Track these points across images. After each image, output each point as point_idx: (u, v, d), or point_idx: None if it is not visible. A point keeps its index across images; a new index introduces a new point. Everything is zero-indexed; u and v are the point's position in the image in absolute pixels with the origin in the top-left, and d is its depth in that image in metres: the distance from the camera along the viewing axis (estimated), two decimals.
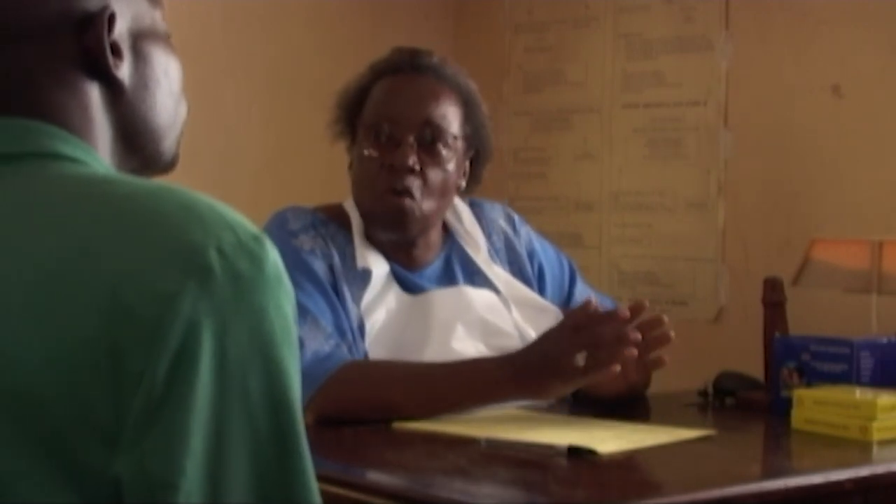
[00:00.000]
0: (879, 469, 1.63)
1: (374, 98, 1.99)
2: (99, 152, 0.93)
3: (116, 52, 0.94)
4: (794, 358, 1.99)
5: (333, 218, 2.00)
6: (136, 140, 0.98)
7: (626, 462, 1.59)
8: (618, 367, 1.73)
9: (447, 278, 2.03)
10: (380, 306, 1.93)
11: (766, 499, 1.47)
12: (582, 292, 2.14)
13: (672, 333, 1.82)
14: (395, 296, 1.95)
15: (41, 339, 0.77)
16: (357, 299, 1.91)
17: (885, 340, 2.01)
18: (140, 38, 0.97)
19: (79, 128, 0.92)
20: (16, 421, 0.77)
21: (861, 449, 1.73)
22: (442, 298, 1.97)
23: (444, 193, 1.98)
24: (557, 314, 2.06)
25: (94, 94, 0.94)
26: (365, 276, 1.94)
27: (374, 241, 1.99)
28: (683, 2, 3.11)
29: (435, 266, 2.03)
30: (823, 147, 2.87)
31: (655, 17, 3.17)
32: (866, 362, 1.94)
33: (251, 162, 3.26)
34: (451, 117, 1.98)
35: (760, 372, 2.15)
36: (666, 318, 1.82)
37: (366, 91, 2.00)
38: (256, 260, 0.81)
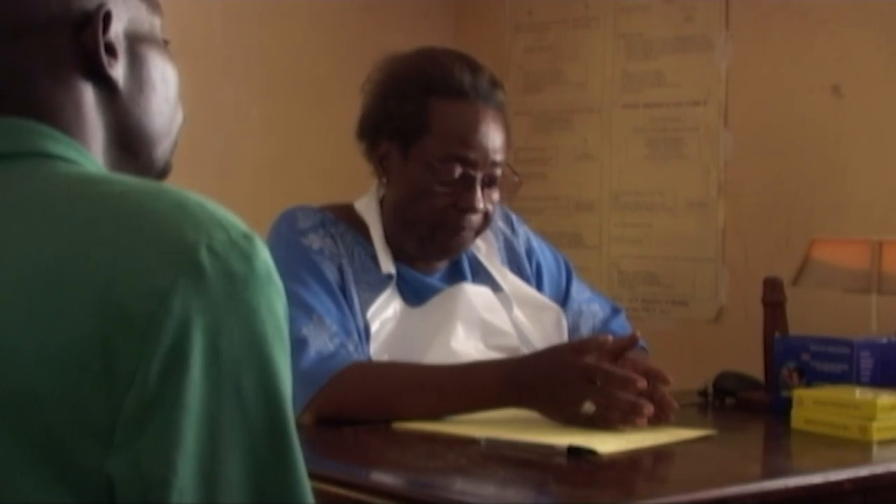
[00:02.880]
0: (879, 469, 1.63)
1: (441, 126, 1.94)
2: (92, 153, 0.93)
3: (111, 51, 0.94)
4: (794, 358, 1.99)
5: (343, 219, 2.00)
6: (129, 144, 0.97)
7: (626, 462, 1.59)
8: (623, 427, 1.73)
9: (456, 276, 2.04)
10: (383, 315, 1.94)
11: (766, 499, 1.47)
12: (578, 290, 2.16)
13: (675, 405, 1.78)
14: (398, 305, 1.96)
15: (34, 338, 0.77)
16: (364, 302, 1.92)
17: (885, 340, 2.01)
18: (137, 42, 0.97)
19: (72, 127, 0.92)
20: (10, 420, 0.76)
21: (861, 449, 1.73)
22: (441, 301, 1.98)
23: (490, 222, 2.02)
24: (558, 312, 2.07)
25: (88, 93, 0.93)
26: (377, 281, 1.95)
27: (391, 246, 1.99)
28: (683, 2, 3.11)
29: (443, 268, 2.05)
30: (823, 147, 2.87)
31: (655, 17, 3.17)
32: (866, 362, 1.95)
33: (251, 162, 3.26)
34: (504, 150, 2.00)
35: (760, 372, 2.15)
36: (675, 406, 1.78)
37: (421, 110, 1.95)
38: (248, 258, 0.81)
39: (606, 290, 3.25)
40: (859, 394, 1.80)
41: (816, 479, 1.54)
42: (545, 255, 2.17)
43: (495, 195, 1.99)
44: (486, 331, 1.99)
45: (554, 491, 1.52)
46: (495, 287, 2.05)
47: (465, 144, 1.94)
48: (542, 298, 2.08)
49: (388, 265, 1.96)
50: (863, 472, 1.60)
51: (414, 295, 1.99)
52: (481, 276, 2.06)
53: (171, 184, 0.87)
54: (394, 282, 1.96)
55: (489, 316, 2.00)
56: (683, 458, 1.66)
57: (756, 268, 2.86)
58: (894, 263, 2.41)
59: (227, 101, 3.23)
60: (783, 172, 2.94)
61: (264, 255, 0.82)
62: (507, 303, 2.04)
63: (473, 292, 2.01)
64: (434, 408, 1.80)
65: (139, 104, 0.97)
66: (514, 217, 2.18)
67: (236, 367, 0.79)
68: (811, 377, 1.97)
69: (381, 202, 2.02)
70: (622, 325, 2.15)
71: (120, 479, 0.76)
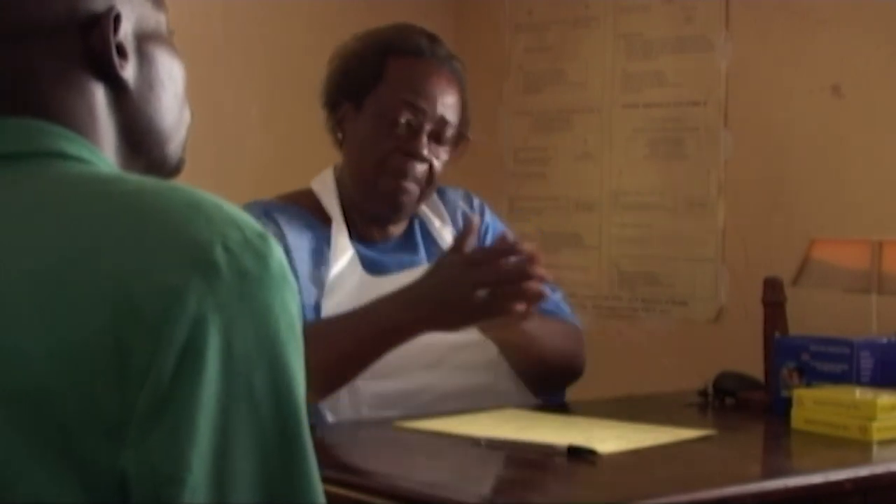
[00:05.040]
0: (879, 469, 1.64)
1: (394, 76, 2.04)
2: (104, 153, 0.94)
3: (122, 52, 0.94)
4: (794, 358, 1.99)
5: (293, 202, 2.06)
6: (141, 142, 0.98)
7: (626, 462, 1.59)
8: (522, 306, 1.74)
9: (408, 249, 2.09)
10: (342, 286, 1.97)
11: (766, 499, 1.48)
12: None
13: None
14: (358, 276, 1.99)
15: (49, 336, 0.77)
16: (315, 278, 1.94)
17: (885, 340, 2.01)
18: (145, 40, 0.97)
19: (84, 128, 0.92)
20: (22, 418, 0.77)
21: (861, 449, 1.73)
22: (402, 280, 1.99)
23: (436, 182, 2.07)
24: None
25: (99, 94, 0.94)
26: (332, 253, 1.99)
27: (349, 215, 2.04)
28: (683, 2, 3.11)
29: (396, 238, 2.10)
30: (823, 147, 2.87)
31: (655, 17, 3.17)
32: (866, 362, 1.95)
33: (251, 162, 3.27)
34: (456, 113, 2.06)
35: (760, 372, 2.15)
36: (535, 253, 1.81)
37: (380, 60, 2.05)
38: (262, 257, 0.81)
39: (606, 290, 3.25)
40: (859, 394, 1.81)
41: (816, 479, 1.54)
42: (496, 231, 2.17)
43: (443, 153, 2.04)
44: None
45: (554, 491, 1.52)
46: None
47: (414, 92, 2.02)
48: None
49: (340, 235, 2.01)
50: (863, 472, 1.60)
51: (370, 271, 2.02)
52: (433, 249, 2.10)
53: (177, 182, 0.87)
54: (351, 256, 2.00)
55: None
56: (683, 458, 1.66)
57: (756, 268, 2.86)
58: (894, 263, 2.41)
59: (227, 101, 3.23)
60: (783, 172, 2.94)
61: (278, 255, 0.82)
62: None
63: None
64: (354, 352, 1.84)
65: (150, 102, 0.97)
66: (476, 200, 2.23)
67: (250, 365, 0.79)
68: (811, 377, 1.97)
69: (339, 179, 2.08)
70: (554, 304, 2.12)
71: (133, 475, 0.76)
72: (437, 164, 2.03)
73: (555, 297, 2.14)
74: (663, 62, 3.15)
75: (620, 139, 3.23)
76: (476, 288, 1.76)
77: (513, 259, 1.78)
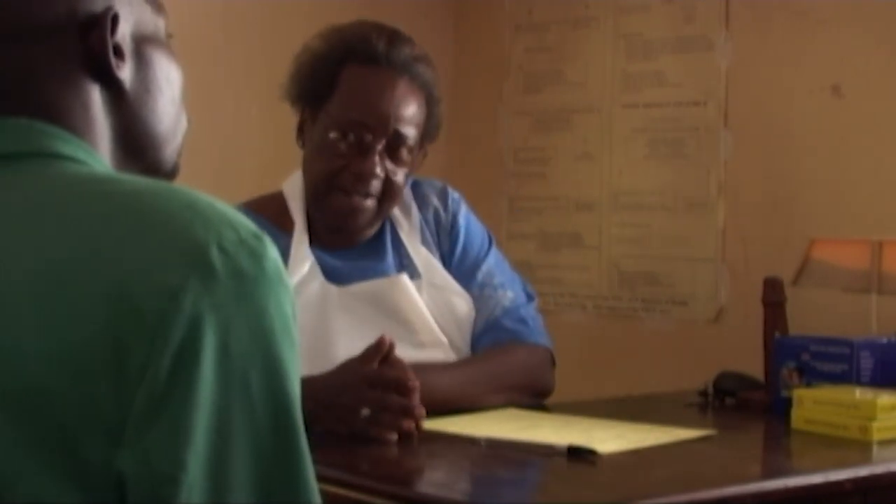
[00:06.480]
0: (879, 469, 1.64)
1: (345, 89, 1.98)
2: (100, 154, 0.94)
3: (119, 53, 0.95)
4: (794, 358, 1.99)
5: (255, 209, 2.00)
6: (136, 145, 0.98)
7: (626, 462, 1.59)
8: (395, 437, 1.70)
9: (375, 255, 2.03)
10: (301, 297, 1.92)
11: (766, 499, 1.48)
12: (488, 274, 2.09)
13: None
14: (319, 285, 1.96)
15: (48, 336, 0.78)
16: None
17: (885, 340, 2.02)
18: (143, 43, 0.98)
19: (81, 129, 0.93)
20: (21, 418, 0.77)
21: (861, 449, 1.73)
22: (365, 289, 1.97)
23: (398, 193, 2.01)
24: (469, 300, 2.05)
25: (95, 95, 0.94)
26: (290, 264, 1.95)
27: (313, 218, 2.01)
28: (683, 2, 3.11)
29: (364, 243, 2.04)
30: (823, 147, 2.87)
31: (655, 17, 3.17)
32: (866, 362, 1.95)
33: (251, 162, 3.26)
34: (417, 123, 2.00)
35: (760, 372, 2.15)
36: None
37: (335, 68, 1.99)
38: (257, 257, 0.81)
39: (606, 290, 3.25)
40: (859, 394, 1.81)
41: (816, 479, 1.54)
42: (467, 234, 2.12)
43: (401, 166, 1.98)
44: (408, 329, 1.96)
45: (554, 491, 1.52)
46: (412, 270, 2.03)
47: (364, 109, 1.96)
48: (456, 286, 2.05)
49: (299, 244, 1.97)
50: (863, 472, 1.60)
51: (332, 279, 1.98)
52: (402, 257, 2.04)
53: (173, 183, 0.87)
54: (312, 263, 1.96)
55: (412, 316, 1.98)
56: (683, 458, 1.66)
57: (756, 268, 2.86)
58: (894, 263, 2.41)
59: (227, 101, 3.22)
60: (783, 172, 2.94)
61: (273, 255, 0.83)
62: (420, 289, 2.01)
63: (397, 287, 1.99)
64: None
65: (146, 104, 0.98)
66: (452, 195, 2.14)
67: (245, 365, 0.79)
68: (811, 377, 1.97)
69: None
70: (518, 321, 2.06)
71: (129, 475, 0.76)
72: (395, 178, 1.97)
73: (521, 313, 2.07)
74: (663, 62, 3.15)
75: (620, 139, 3.23)
76: (361, 406, 1.71)
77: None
